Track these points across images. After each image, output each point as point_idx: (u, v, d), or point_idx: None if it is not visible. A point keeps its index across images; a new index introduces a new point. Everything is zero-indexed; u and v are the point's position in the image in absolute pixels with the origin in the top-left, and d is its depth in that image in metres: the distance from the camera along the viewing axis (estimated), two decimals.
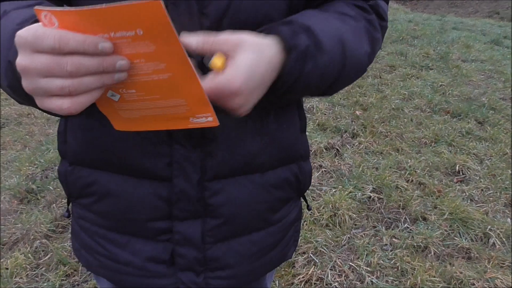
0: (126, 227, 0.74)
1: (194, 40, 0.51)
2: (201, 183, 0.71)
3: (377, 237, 2.08)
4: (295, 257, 1.93)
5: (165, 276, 0.76)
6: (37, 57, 0.42)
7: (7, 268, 1.95)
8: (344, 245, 2.02)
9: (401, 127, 3.12)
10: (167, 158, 0.69)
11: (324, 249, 1.97)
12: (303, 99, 0.84)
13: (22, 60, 0.44)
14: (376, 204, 2.29)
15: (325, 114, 3.27)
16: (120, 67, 0.45)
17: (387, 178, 2.46)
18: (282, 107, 0.75)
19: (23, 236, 2.20)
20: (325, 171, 2.57)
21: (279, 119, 0.75)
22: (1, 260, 2.02)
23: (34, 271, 1.95)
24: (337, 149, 2.77)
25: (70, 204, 0.82)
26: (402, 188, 2.41)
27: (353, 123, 3.15)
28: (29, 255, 2.02)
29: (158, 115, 0.55)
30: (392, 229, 2.13)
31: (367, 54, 0.68)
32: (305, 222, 2.13)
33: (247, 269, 0.80)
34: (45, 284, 1.86)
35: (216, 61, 0.50)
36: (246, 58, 0.52)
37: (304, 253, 1.95)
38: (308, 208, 0.93)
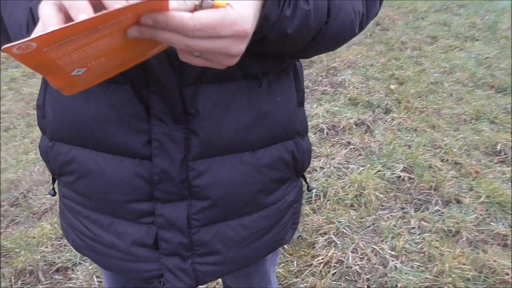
0: (107, 208, 0.70)
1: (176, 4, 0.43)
2: (185, 163, 0.65)
3: (404, 220, 1.97)
4: (316, 237, 1.86)
5: (150, 261, 0.72)
6: None
7: (34, 237, 2.00)
8: (369, 226, 1.93)
9: (439, 102, 2.94)
10: (146, 135, 0.64)
11: (347, 230, 1.90)
12: (301, 69, 0.76)
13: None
14: (406, 184, 2.17)
15: (357, 88, 3.13)
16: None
17: (419, 157, 2.32)
18: (275, 77, 0.67)
19: (52, 207, 2.26)
20: (353, 148, 2.46)
21: (271, 92, 0.67)
22: (29, 229, 2.08)
23: (59, 241, 1.99)
24: (367, 125, 2.65)
25: (56, 182, 0.78)
26: (435, 168, 2.27)
27: (387, 97, 2.99)
28: (56, 225, 2.07)
29: (117, 64, 0.50)
30: (422, 212, 2.01)
31: (358, 15, 0.61)
32: (328, 202, 2.05)
33: (238, 254, 0.75)
34: (67, 254, 1.89)
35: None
36: (248, 3, 0.46)
37: (325, 233, 1.89)
38: (309, 189, 0.86)
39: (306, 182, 0.85)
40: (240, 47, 0.47)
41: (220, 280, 1.31)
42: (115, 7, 0.37)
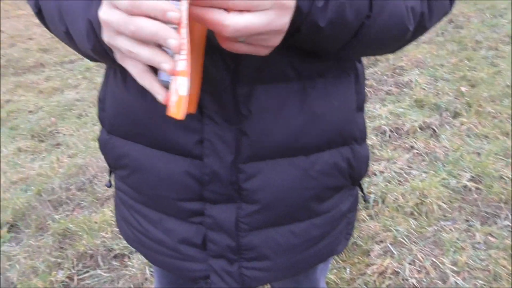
0: (157, 204, 0.71)
1: None
2: (235, 164, 0.64)
3: (469, 233, 1.85)
4: (371, 245, 1.80)
5: (197, 261, 0.72)
6: (113, 13, 0.45)
7: (96, 222, 2.11)
8: (429, 238, 1.83)
9: None
10: (198, 135, 0.64)
11: (405, 240, 1.81)
12: (362, 71, 0.72)
13: (102, 13, 0.46)
14: (473, 195, 2.03)
15: (424, 89, 2.97)
16: (169, 44, 0.42)
17: (489, 166, 2.16)
18: (333, 79, 0.64)
19: (114, 194, 2.37)
20: (416, 153, 2.34)
21: (328, 94, 0.65)
22: (92, 214, 2.20)
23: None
24: (433, 129, 2.50)
25: (112, 174, 0.81)
26: (507, 179, 2.10)
27: (456, 100, 2.81)
28: None
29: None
30: (489, 226, 1.87)
31: (412, 11, 0.56)
32: (387, 208, 1.97)
33: (287, 262, 0.73)
34: (125, 242, 1.97)
35: None
36: None
37: (381, 241, 1.81)
38: (365, 199, 0.82)
39: (363, 192, 0.81)
40: (284, 20, 0.47)
41: None
42: None
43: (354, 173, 0.73)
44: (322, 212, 0.72)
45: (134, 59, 0.47)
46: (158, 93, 0.48)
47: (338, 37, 0.54)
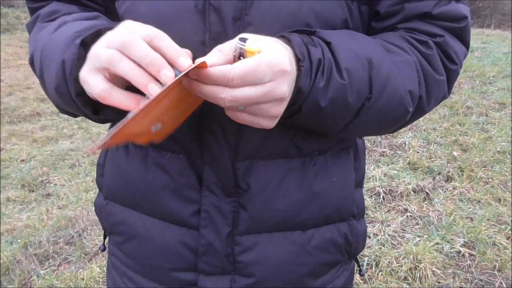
0: (151, 273, 0.70)
1: (216, 58, 0.47)
2: (231, 237, 0.64)
3: None
4: None
5: None
6: (107, 50, 0.47)
7: (83, 279, 2.04)
8: None
9: (506, 173, 2.76)
10: (195, 205, 0.64)
11: None
12: (363, 148, 0.73)
13: (97, 48, 0.48)
14: (466, 261, 2.01)
15: (417, 152, 3.02)
16: (163, 75, 0.45)
17: (482, 232, 2.16)
18: (333, 156, 0.66)
19: (107, 258, 2.31)
20: (410, 216, 2.34)
21: (327, 171, 0.65)
22: (79, 270, 2.13)
23: (105, 285, 2.01)
24: (426, 193, 2.52)
25: (107, 238, 0.80)
26: (500, 245, 2.09)
27: (448, 164, 2.85)
28: (104, 269, 2.10)
29: (180, 114, 0.55)
30: None
31: (410, 94, 0.57)
32: (380, 272, 1.94)
33: None
34: None
35: (253, 44, 0.45)
36: (275, 44, 0.47)
37: None
38: (361, 273, 0.80)
39: (359, 266, 0.80)
40: (283, 89, 0.47)
41: None
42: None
43: (351, 249, 0.72)
44: None
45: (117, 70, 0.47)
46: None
47: (339, 117, 0.55)
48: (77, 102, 0.53)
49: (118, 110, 0.48)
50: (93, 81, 0.48)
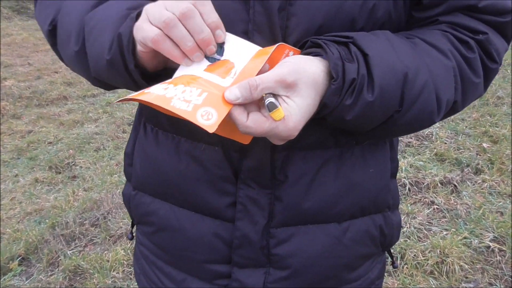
0: (182, 264, 0.69)
1: (234, 96, 0.48)
2: (267, 229, 0.63)
3: None
4: None
5: None
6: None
7: (108, 261, 2.07)
8: None
9: None
10: (231, 197, 0.63)
11: None
12: (396, 138, 0.71)
13: (154, 7, 0.51)
14: (496, 257, 1.95)
15: (445, 143, 2.94)
16: (208, 50, 0.51)
17: None
18: (370, 147, 0.64)
19: (127, 232, 2.34)
20: (437, 208, 2.29)
21: (365, 162, 0.64)
22: (105, 252, 2.17)
23: (130, 268, 2.04)
24: (454, 185, 2.45)
25: (135, 227, 0.79)
26: None
27: (478, 156, 2.77)
28: (128, 251, 2.13)
29: None
30: None
31: (443, 103, 0.55)
32: (406, 265, 1.91)
33: None
34: (136, 284, 1.93)
35: (278, 114, 0.49)
36: (306, 94, 0.50)
37: None
38: (394, 265, 0.79)
39: (392, 258, 0.78)
40: (281, 143, 0.53)
41: None
42: None
43: (386, 241, 0.71)
44: (352, 281, 0.70)
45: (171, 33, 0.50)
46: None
47: (364, 126, 0.55)
48: (133, 73, 0.54)
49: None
50: (148, 27, 0.49)
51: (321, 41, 0.52)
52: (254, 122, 0.48)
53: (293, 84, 0.48)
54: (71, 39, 0.59)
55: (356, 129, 0.57)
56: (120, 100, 0.50)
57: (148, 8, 0.51)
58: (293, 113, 0.49)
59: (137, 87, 0.56)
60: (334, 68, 0.50)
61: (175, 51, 0.50)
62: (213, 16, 0.50)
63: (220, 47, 0.52)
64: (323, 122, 0.55)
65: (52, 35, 0.63)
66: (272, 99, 0.48)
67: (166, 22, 0.48)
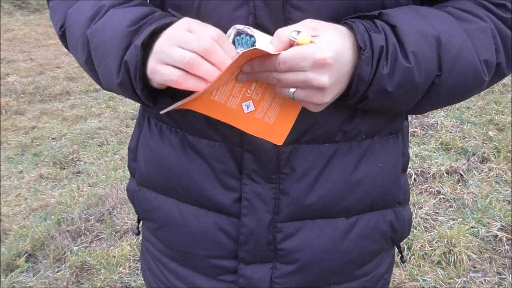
0: (187, 260, 0.69)
1: (271, 48, 0.49)
2: (273, 224, 0.62)
3: (501, 286, 1.76)
4: None
5: None
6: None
7: (114, 256, 2.07)
8: None
9: None
10: (236, 193, 0.62)
11: None
12: (407, 129, 0.70)
13: (165, 47, 0.50)
14: (504, 246, 1.94)
15: (450, 132, 2.92)
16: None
17: None
18: (381, 140, 0.62)
19: (133, 228, 2.34)
20: (443, 198, 2.27)
21: (374, 156, 0.62)
22: (111, 248, 2.17)
23: (136, 263, 2.04)
24: (460, 174, 2.44)
25: (141, 222, 0.79)
26: None
27: (484, 145, 2.75)
28: (134, 247, 2.13)
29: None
30: None
31: (486, 63, 0.54)
32: (413, 256, 1.90)
33: None
34: (142, 279, 1.93)
35: (305, 37, 0.48)
36: (333, 34, 0.49)
37: None
38: (402, 260, 0.78)
39: (401, 252, 0.77)
40: (322, 79, 0.48)
41: None
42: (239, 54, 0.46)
43: (396, 236, 0.70)
44: (360, 276, 0.69)
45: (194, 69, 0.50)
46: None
47: (409, 98, 0.54)
48: (142, 96, 0.54)
49: (174, 97, 0.55)
50: (166, 71, 0.49)
51: (346, 20, 0.52)
52: (287, 52, 0.48)
53: (317, 26, 0.49)
54: (78, 50, 0.60)
55: (402, 105, 0.55)
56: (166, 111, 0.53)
57: (158, 49, 0.51)
58: (321, 38, 0.48)
59: (143, 103, 0.58)
60: (361, 38, 0.49)
61: (201, 85, 0.49)
62: (233, 52, 0.51)
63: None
64: (332, 115, 0.54)
65: (64, 40, 0.64)
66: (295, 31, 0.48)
67: (190, 63, 0.48)
